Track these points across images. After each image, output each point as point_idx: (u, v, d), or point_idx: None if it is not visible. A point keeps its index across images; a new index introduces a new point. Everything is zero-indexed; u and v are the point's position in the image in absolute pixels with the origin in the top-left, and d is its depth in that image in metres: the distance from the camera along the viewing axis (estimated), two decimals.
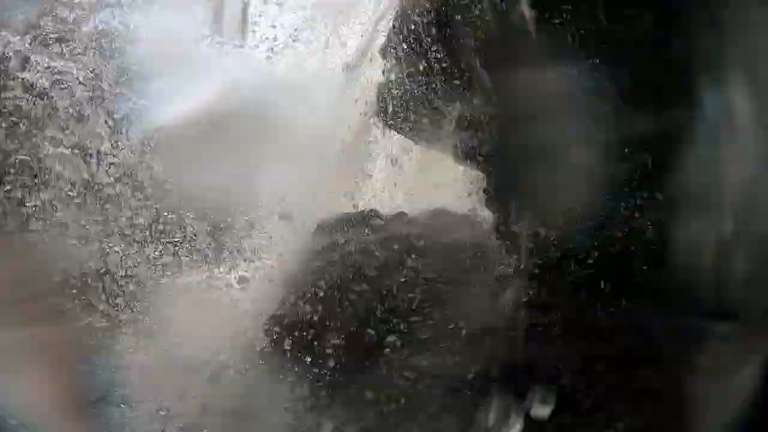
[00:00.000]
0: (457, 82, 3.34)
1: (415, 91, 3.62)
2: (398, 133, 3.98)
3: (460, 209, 4.02)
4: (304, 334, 3.59)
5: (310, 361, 3.49)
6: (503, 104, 2.94)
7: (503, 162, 3.03)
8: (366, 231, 4.03)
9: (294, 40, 4.66)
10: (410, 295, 3.60)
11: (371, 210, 4.13)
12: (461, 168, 4.32)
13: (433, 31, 3.28)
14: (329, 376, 3.41)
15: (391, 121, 3.91)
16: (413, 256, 3.78)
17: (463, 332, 3.31)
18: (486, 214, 3.90)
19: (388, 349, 3.41)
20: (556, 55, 2.61)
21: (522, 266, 3.12)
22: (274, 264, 4.19)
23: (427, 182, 4.18)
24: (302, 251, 4.13)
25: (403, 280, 3.69)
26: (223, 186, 4.23)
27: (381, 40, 3.98)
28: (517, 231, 3.14)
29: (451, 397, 3.04)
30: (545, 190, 2.77)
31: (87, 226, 3.91)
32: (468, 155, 3.39)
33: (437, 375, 3.18)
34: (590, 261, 2.74)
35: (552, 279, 2.91)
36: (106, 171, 3.99)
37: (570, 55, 2.57)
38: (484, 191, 3.52)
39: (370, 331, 3.51)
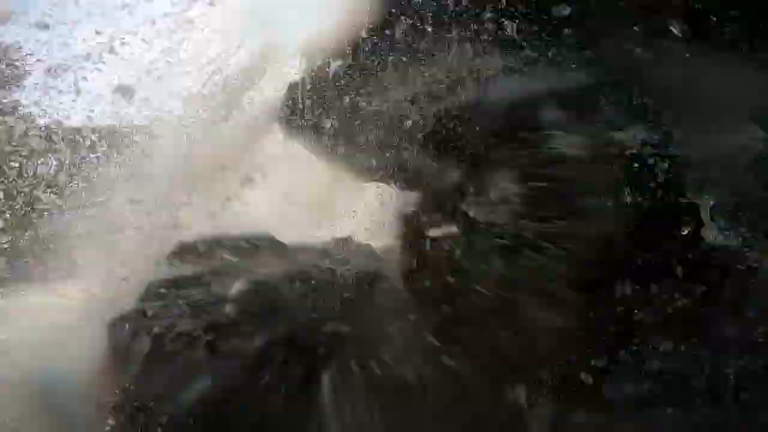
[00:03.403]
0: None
1: (332, 96, 3.16)
2: (303, 145, 3.46)
3: (365, 238, 3.56)
4: None
5: None
6: None
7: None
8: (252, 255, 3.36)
9: None
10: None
11: (263, 233, 3.47)
12: (367, 191, 3.95)
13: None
14: None
15: (295, 131, 3.39)
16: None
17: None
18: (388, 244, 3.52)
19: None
20: None
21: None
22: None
23: (329, 207, 3.68)
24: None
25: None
26: None
27: None
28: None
29: None
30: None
31: None
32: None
33: None
34: None
35: None
36: None
37: None
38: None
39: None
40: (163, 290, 3.14)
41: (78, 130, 4.58)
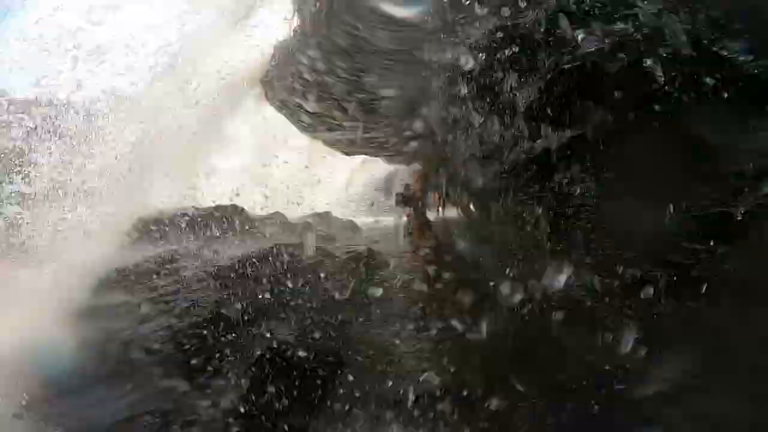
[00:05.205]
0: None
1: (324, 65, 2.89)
2: (282, 113, 3.17)
3: (343, 213, 3.33)
4: None
5: None
6: None
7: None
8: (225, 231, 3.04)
9: None
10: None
11: (233, 206, 3.15)
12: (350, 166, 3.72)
13: None
14: None
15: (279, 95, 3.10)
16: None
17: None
18: (369, 220, 3.33)
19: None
20: None
21: None
22: None
23: (309, 180, 3.41)
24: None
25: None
26: None
27: None
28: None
29: None
30: None
31: None
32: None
33: None
34: None
35: None
36: None
37: None
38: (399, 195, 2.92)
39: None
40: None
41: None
